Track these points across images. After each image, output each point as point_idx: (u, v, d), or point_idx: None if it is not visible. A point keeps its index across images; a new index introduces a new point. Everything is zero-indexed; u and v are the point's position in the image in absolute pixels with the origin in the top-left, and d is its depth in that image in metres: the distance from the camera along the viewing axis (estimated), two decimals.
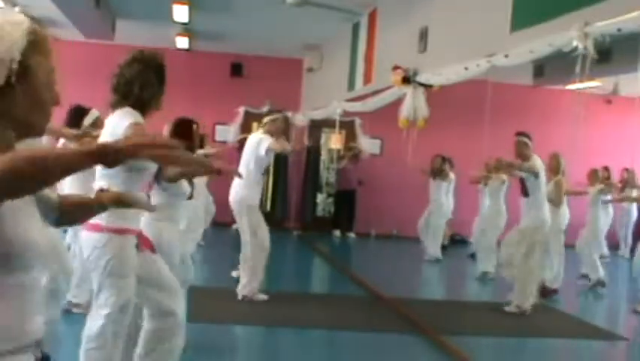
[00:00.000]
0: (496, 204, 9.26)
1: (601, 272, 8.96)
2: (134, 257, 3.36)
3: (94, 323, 3.32)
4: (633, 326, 7.61)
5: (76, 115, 5.35)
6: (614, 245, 12.25)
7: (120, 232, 3.27)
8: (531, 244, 7.00)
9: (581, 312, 7.93)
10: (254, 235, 6.68)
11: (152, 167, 3.38)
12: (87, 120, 5.33)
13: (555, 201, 7.84)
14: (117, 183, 3.18)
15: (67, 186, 5.45)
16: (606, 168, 10.56)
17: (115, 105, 3.30)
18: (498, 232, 9.23)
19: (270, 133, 6.67)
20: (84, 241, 3.36)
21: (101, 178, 3.27)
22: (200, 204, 9.40)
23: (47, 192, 1.68)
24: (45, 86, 1.53)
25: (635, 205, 12.04)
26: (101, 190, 2.07)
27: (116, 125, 3.23)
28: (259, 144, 6.58)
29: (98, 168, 3.31)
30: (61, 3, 8.92)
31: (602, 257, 11.26)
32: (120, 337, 3.34)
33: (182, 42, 11.68)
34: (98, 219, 3.17)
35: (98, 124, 5.36)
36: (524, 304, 7.00)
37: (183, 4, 9.30)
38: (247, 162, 6.67)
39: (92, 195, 1.94)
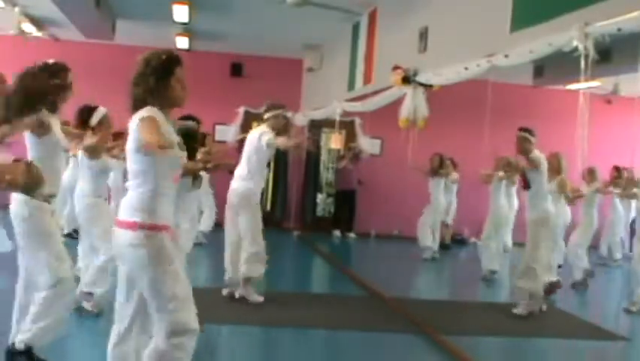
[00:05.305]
0: (496, 201, 9.23)
1: (586, 263, 8.95)
2: (173, 253, 3.25)
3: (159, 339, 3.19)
4: (633, 326, 7.61)
5: (85, 114, 5.45)
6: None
7: (156, 228, 3.20)
8: (536, 236, 6.97)
9: (581, 312, 7.92)
10: (252, 230, 6.56)
11: (177, 159, 3.36)
12: (94, 118, 5.41)
13: (569, 198, 8.05)
14: (149, 179, 3.21)
15: (82, 184, 5.58)
16: (617, 168, 10.55)
17: (132, 109, 3.31)
18: (508, 229, 9.21)
19: (273, 128, 6.56)
20: (119, 240, 3.22)
21: (136, 175, 3.25)
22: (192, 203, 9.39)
23: None
24: None
25: (633, 204, 12.02)
26: (16, 160, 2.03)
27: (132, 124, 3.26)
28: (260, 137, 6.47)
29: (128, 166, 3.32)
30: (61, 3, 8.93)
31: (613, 260, 11.37)
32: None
33: (182, 42, 11.68)
34: (133, 217, 3.17)
35: (105, 121, 5.46)
36: (534, 305, 6.97)
37: (183, 4, 9.30)
38: (249, 156, 6.56)
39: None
